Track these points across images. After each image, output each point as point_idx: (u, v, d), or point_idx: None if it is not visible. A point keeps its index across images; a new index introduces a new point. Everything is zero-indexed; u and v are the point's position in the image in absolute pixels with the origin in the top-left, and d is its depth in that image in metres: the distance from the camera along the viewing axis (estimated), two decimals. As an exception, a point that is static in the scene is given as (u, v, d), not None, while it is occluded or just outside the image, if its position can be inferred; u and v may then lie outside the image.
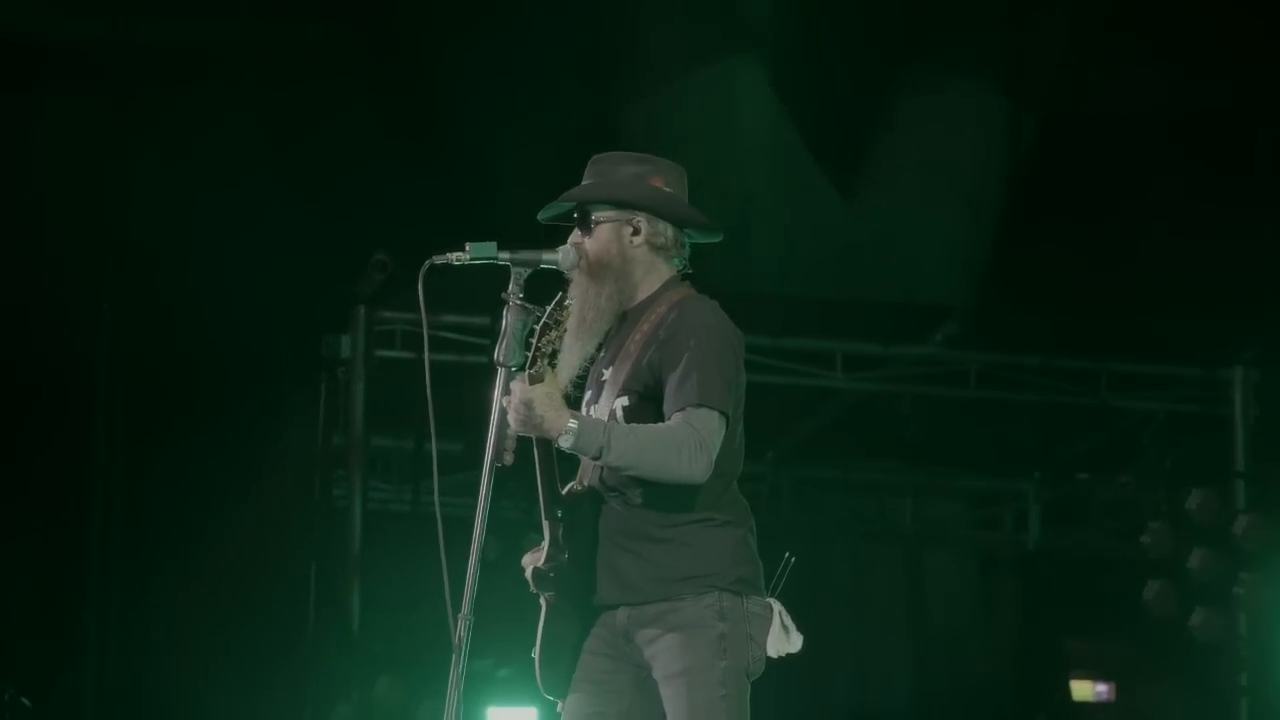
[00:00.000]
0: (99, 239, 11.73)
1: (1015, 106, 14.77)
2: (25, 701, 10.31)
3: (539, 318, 5.30)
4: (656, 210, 5.42)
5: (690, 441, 5.13)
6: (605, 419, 5.31)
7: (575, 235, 5.41)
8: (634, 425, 5.23)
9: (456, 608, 5.19)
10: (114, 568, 11.37)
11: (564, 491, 5.35)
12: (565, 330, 5.29)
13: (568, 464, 5.36)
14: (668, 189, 5.44)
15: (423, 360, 5.37)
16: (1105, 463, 13.87)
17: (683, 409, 5.16)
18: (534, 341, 5.25)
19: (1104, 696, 16.49)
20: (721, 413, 5.18)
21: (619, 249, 5.39)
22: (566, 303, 5.31)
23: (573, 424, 5.12)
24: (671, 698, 5.24)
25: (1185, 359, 12.60)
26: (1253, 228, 13.72)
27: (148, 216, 12.04)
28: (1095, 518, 14.13)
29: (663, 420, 5.21)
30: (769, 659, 5.32)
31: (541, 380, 5.19)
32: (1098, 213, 13.89)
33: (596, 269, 5.37)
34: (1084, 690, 16.42)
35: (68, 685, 11.58)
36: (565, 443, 5.15)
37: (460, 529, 5.25)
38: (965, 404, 12.75)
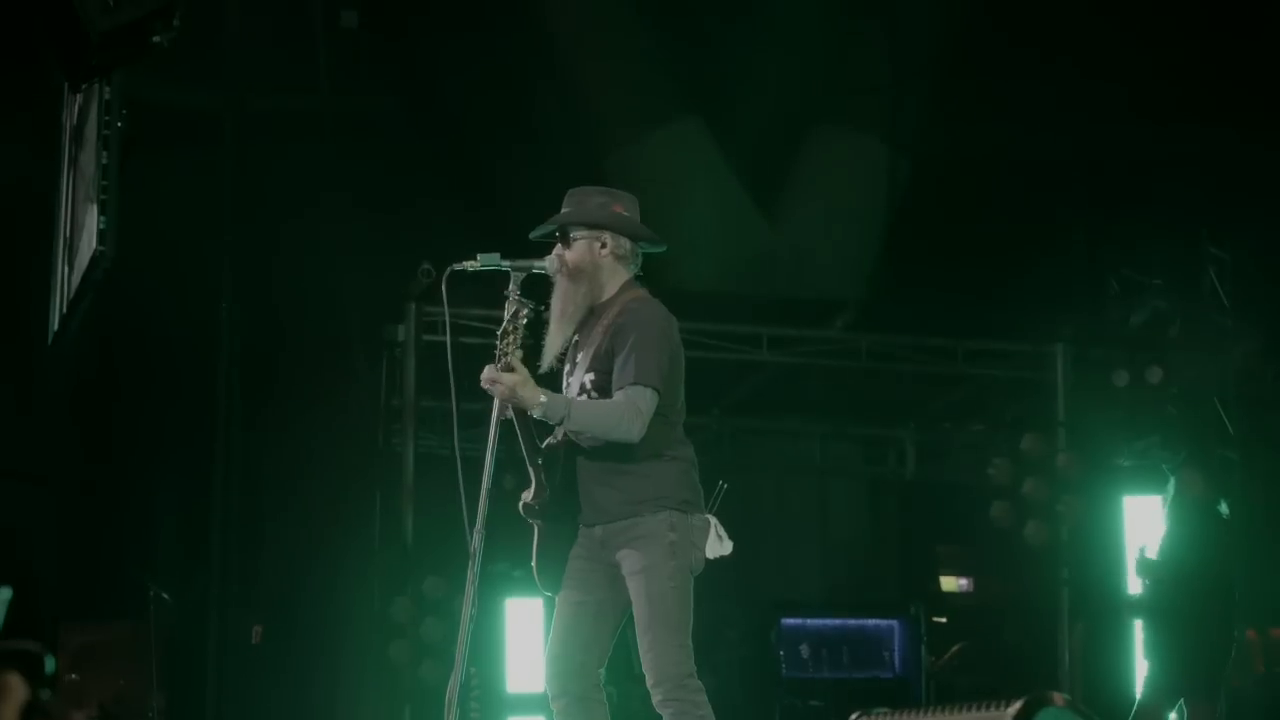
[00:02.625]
0: (220, 257, 11.69)
1: (893, 153, 14.77)
2: (165, 596, 10.25)
3: (533, 309, 5.29)
4: (619, 229, 5.40)
5: (627, 412, 5.15)
6: (578, 387, 5.32)
7: (558, 248, 5.40)
8: (588, 400, 5.24)
9: (473, 524, 5.19)
10: (232, 496, 11.31)
11: (543, 446, 5.33)
12: (523, 334, 5.22)
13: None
14: (626, 213, 5.43)
15: (456, 342, 5.36)
16: (962, 414, 13.83)
17: (623, 386, 5.18)
18: (498, 345, 5.20)
19: (965, 588, 16.44)
20: (654, 389, 5.19)
21: (591, 258, 5.37)
22: (523, 314, 5.24)
23: (543, 399, 5.14)
24: (635, 589, 5.23)
25: (1020, 338, 12.55)
26: (1070, 244, 13.74)
27: (255, 240, 12.02)
28: (955, 455, 14.05)
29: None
30: (708, 560, 5.31)
31: (513, 370, 5.14)
32: (955, 232, 13.88)
33: (574, 273, 5.35)
34: (950, 583, 16.37)
35: (198, 585, 11.54)
36: (537, 412, 5.16)
37: (482, 467, 5.20)
38: (858, 372, 12.70)
